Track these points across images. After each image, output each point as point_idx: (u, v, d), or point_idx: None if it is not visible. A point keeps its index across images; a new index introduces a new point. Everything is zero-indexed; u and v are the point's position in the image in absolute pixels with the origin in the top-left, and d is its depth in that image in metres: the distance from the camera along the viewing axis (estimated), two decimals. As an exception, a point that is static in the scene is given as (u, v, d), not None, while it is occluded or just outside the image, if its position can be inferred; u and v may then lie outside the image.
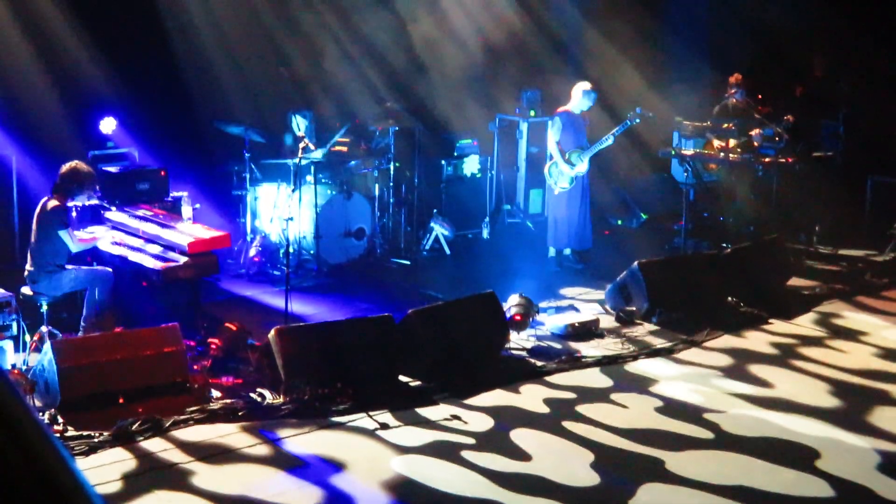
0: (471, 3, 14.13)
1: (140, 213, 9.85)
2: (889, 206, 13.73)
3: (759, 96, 14.23)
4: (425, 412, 8.03)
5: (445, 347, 8.81)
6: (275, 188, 12.09)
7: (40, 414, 7.46)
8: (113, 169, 11.14)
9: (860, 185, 14.05)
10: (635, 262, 10.57)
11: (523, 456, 7.28)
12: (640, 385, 8.80)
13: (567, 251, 12.54)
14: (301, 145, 10.92)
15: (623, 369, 9.20)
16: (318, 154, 11.75)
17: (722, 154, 13.71)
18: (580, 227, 12.38)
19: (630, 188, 14.73)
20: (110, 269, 9.02)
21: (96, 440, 7.20)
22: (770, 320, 10.61)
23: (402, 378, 8.61)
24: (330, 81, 13.67)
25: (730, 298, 10.93)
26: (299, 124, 12.19)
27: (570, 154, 12.19)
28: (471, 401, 8.28)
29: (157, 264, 8.91)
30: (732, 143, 13.60)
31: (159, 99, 12.11)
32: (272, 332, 8.16)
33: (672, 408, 8.27)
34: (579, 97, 12.21)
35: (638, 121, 12.13)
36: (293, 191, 11.51)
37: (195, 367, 8.46)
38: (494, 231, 13.57)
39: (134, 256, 9.10)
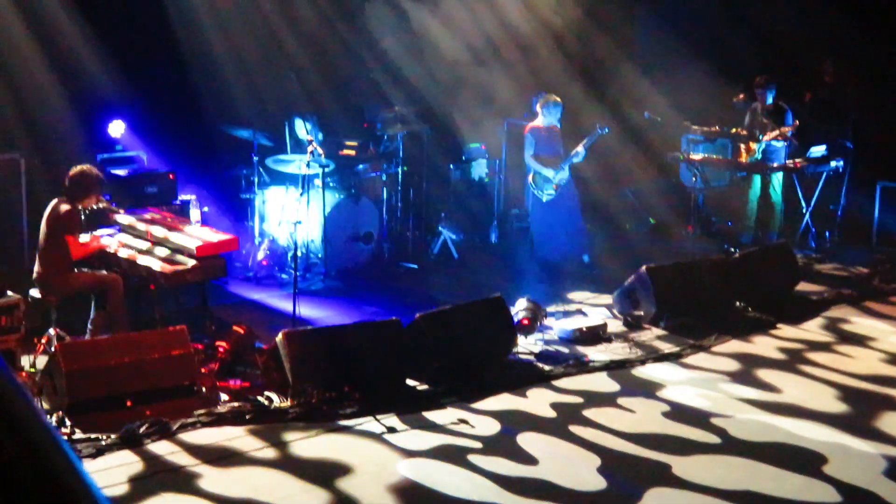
0: (480, 8, 14.14)
1: (148, 216, 9.86)
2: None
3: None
4: (432, 416, 8.03)
5: (453, 351, 8.81)
6: (283, 192, 12.11)
7: (48, 416, 7.48)
8: (121, 172, 11.17)
9: (869, 191, 14.03)
10: (643, 267, 10.57)
11: (530, 460, 7.28)
12: (648, 389, 8.79)
13: (585, 258, 12.57)
14: (309, 149, 10.93)
15: (630, 374, 9.20)
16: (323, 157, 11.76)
17: (734, 160, 13.71)
18: (572, 234, 12.44)
19: (638, 193, 14.73)
20: (119, 277, 9.03)
21: (104, 443, 7.21)
22: (778, 325, 10.60)
23: (410, 382, 8.61)
24: (338, 86, 13.69)
25: (738, 303, 10.92)
26: (304, 127, 12.20)
27: (551, 160, 12.27)
28: (478, 405, 8.28)
29: (165, 267, 8.93)
30: (754, 146, 13.57)
31: (168, 102, 12.13)
32: (280, 335, 8.17)
33: (679, 412, 8.26)
34: (541, 113, 12.34)
35: (607, 130, 12.24)
36: (301, 194, 11.53)
37: (203, 370, 8.47)
38: (502, 235, 13.58)
39: (142, 259, 9.11)
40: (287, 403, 7.95)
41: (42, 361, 8.25)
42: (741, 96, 13.88)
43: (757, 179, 13.62)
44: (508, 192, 13.98)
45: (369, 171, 12.75)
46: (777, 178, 13.56)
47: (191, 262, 8.98)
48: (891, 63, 14.70)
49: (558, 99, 12.40)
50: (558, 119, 12.46)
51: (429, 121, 13.64)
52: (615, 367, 9.28)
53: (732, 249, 12.55)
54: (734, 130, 13.69)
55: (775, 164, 13.50)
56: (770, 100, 13.49)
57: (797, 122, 13.37)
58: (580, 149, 12.28)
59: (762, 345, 10.08)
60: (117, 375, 7.80)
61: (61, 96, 11.48)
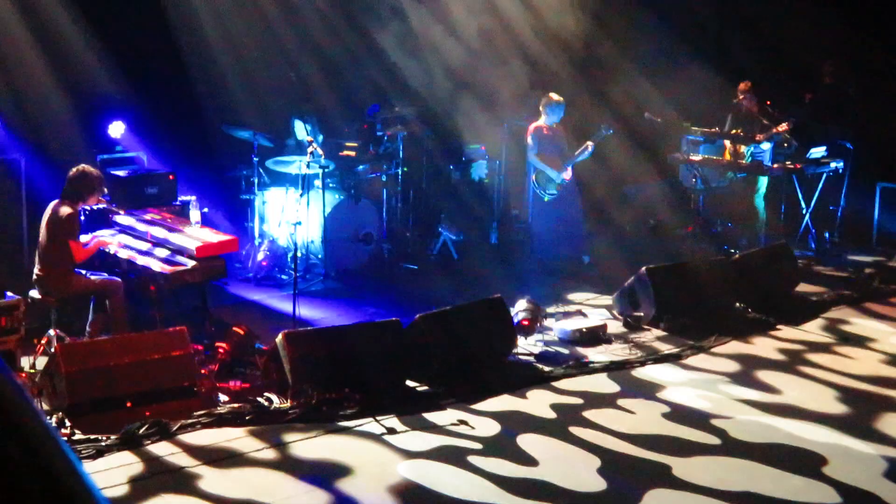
0: (479, 9, 14.14)
1: (148, 216, 9.86)
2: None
3: (769, 102, 14.22)
4: (432, 417, 8.03)
5: (453, 352, 8.81)
6: (283, 192, 12.11)
7: (48, 417, 7.48)
8: (121, 173, 11.15)
9: (869, 192, 14.03)
10: (643, 268, 10.57)
11: (530, 461, 7.28)
12: (648, 391, 8.79)
13: (586, 259, 12.57)
14: (309, 150, 10.93)
15: (630, 375, 9.20)
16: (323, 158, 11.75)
17: (733, 160, 13.71)
18: (572, 235, 12.46)
19: (638, 193, 14.73)
20: (119, 279, 9.03)
21: (103, 444, 7.21)
22: (778, 326, 10.60)
23: (410, 383, 8.61)
24: (339, 86, 13.69)
25: (738, 304, 10.92)
26: (304, 128, 12.21)
27: (554, 160, 12.30)
28: (478, 406, 8.28)
29: (165, 268, 8.92)
30: (742, 148, 13.60)
31: (168, 103, 12.13)
32: (280, 336, 8.17)
33: (679, 413, 8.26)
34: (543, 113, 12.35)
35: (611, 132, 12.26)
36: (301, 195, 11.52)
37: (203, 370, 8.47)
38: (502, 236, 13.57)
39: (142, 260, 9.11)
40: (287, 404, 7.95)
41: (42, 362, 8.25)
42: (741, 98, 13.88)
43: (761, 181, 13.63)
44: (508, 193, 13.97)
45: (369, 172, 12.74)
46: (763, 181, 13.61)
47: (190, 263, 8.98)
48: (890, 64, 14.70)
49: (561, 99, 12.42)
50: (561, 119, 12.46)
51: (429, 121, 13.63)
52: (615, 368, 9.28)
53: (732, 250, 12.55)
54: (733, 132, 13.69)
55: (775, 166, 13.51)
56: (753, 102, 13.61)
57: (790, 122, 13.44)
58: (586, 146, 12.27)
59: (762, 346, 10.08)
60: (117, 376, 7.80)
61: (61, 97, 11.47)
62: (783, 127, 13.43)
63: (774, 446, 7.65)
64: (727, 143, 13.84)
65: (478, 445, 7.52)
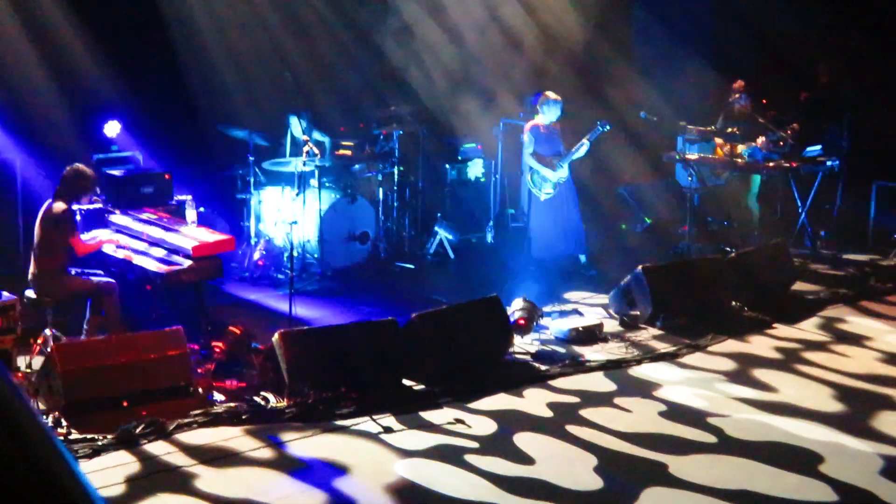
0: (475, 7, 14.14)
1: (144, 216, 9.85)
2: (893, 211, 13.73)
3: (764, 101, 14.24)
4: (429, 416, 8.02)
5: (449, 351, 8.81)
6: (279, 192, 12.10)
7: (44, 417, 7.47)
8: (117, 172, 11.14)
9: (865, 191, 14.04)
10: (639, 267, 10.57)
11: (527, 460, 7.28)
12: (644, 389, 8.79)
13: (582, 258, 12.56)
14: (305, 149, 10.93)
15: (627, 373, 9.20)
16: (319, 157, 11.74)
17: (727, 159, 13.72)
18: (569, 234, 12.45)
19: (634, 192, 14.73)
20: (114, 280, 9.02)
21: (100, 443, 7.20)
22: (774, 325, 10.61)
23: (406, 382, 8.61)
24: (334, 85, 13.69)
25: (734, 303, 10.92)
26: (299, 126, 12.21)
27: (549, 159, 12.29)
28: (474, 405, 8.28)
29: (161, 268, 8.91)
30: (740, 148, 13.61)
31: (164, 102, 12.12)
32: (276, 335, 8.16)
33: (676, 412, 8.26)
34: (540, 111, 12.34)
35: (609, 127, 12.21)
36: (297, 194, 11.52)
37: (199, 370, 8.47)
38: (498, 235, 13.56)
39: (138, 260, 9.10)
40: (283, 403, 7.94)
41: (38, 362, 8.24)
42: (737, 96, 13.89)
43: (755, 179, 13.64)
44: (504, 192, 13.97)
45: (365, 171, 12.74)
46: (756, 180, 13.65)
47: (187, 263, 8.97)
48: (886, 63, 14.72)
49: (558, 96, 12.40)
50: (558, 116, 12.45)
51: (425, 120, 13.63)
52: (611, 367, 9.28)
53: (728, 249, 12.55)
54: (729, 130, 13.70)
55: (770, 164, 13.51)
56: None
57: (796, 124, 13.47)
58: (583, 142, 12.26)
59: (758, 344, 10.08)
60: (113, 376, 7.79)
61: (57, 96, 11.47)
62: (794, 128, 13.45)
63: (771, 444, 7.65)
64: (718, 141, 13.86)
65: (474, 444, 7.52)
